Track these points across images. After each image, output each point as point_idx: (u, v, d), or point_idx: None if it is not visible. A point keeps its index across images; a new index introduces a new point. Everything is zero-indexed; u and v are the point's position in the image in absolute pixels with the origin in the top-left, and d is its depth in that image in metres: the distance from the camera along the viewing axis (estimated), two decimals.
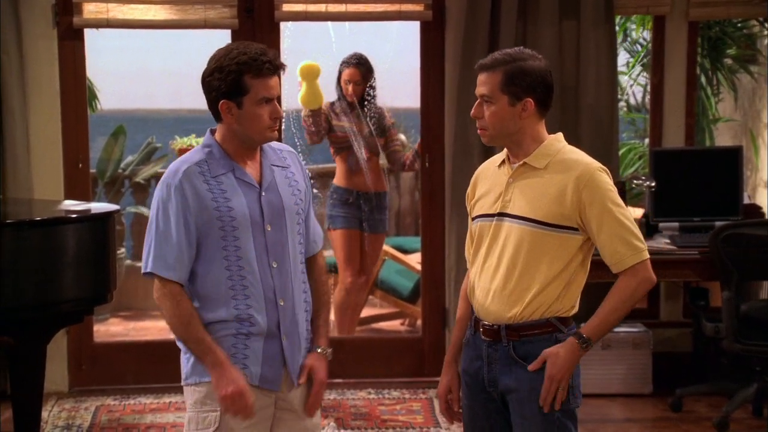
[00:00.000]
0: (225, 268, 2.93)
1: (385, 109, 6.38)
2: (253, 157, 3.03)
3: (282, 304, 2.99)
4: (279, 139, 3.21)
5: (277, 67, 2.94)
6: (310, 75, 6.13)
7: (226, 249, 2.93)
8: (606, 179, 2.93)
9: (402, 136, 9.16)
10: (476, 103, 2.99)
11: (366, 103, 6.25)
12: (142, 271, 2.98)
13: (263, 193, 2.99)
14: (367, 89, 6.27)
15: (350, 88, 6.22)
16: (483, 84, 2.96)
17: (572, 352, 2.91)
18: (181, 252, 2.92)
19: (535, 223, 2.92)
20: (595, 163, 2.96)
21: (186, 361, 3.02)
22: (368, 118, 6.25)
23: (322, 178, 7.75)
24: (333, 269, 6.81)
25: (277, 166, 3.07)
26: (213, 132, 3.04)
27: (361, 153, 6.25)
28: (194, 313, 2.93)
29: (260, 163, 3.03)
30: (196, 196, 2.92)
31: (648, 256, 2.94)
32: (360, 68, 6.25)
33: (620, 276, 2.94)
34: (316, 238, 3.18)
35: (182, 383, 3.04)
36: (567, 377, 2.91)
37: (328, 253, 7.05)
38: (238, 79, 2.90)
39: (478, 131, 3.02)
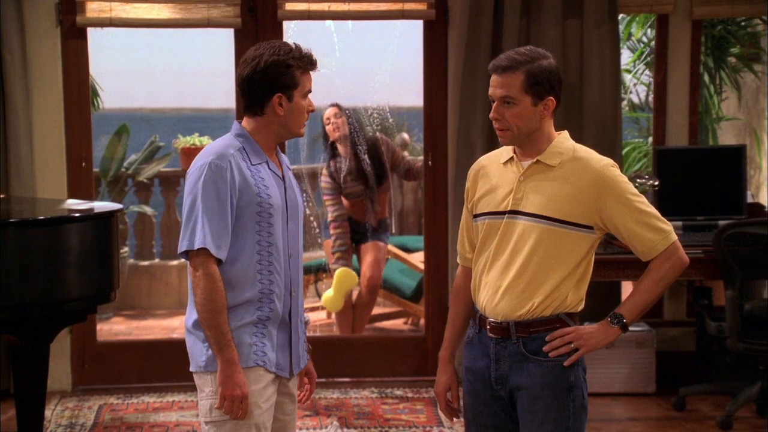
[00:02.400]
0: (256, 252, 3.02)
1: (384, 140, 6.52)
2: (275, 154, 3.15)
3: (293, 294, 3.11)
4: None
5: (316, 63, 3.09)
6: (345, 284, 6.22)
7: (260, 234, 3.02)
8: (619, 173, 2.96)
9: (405, 135, 9.17)
10: (494, 105, 2.96)
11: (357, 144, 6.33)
12: (186, 248, 2.98)
13: (286, 189, 3.11)
14: (351, 125, 6.37)
15: (331, 125, 6.37)
16: (502, 85, 2.93)
17: (602, 326, 2.96)
18: (228, 233, 2.99)
19: (553, 221, 2.92)
20: (605, 160, 2.98)
21: (204, 349, 3.03)
22: (370, 165, 6.35)
23: (309, 178, 7.72)
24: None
25: (288, 167, 3.21)
26: (240, 124, 3.12)
27: (371, 207, 6.41)
28: (226, 304, 2.98)
29: (279, 161, 3.15)
30: (242, 179, 3.00)
31: (676, 237, 2.98)
32: (334, 106, 6.40)
33: (653, 260, 2.97)
34: None
35: (199, 370, 3.06)
36: (587, 346, 2.94)
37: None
38: (293, 74, 3.03)
39: (498, 132, 2.99)
